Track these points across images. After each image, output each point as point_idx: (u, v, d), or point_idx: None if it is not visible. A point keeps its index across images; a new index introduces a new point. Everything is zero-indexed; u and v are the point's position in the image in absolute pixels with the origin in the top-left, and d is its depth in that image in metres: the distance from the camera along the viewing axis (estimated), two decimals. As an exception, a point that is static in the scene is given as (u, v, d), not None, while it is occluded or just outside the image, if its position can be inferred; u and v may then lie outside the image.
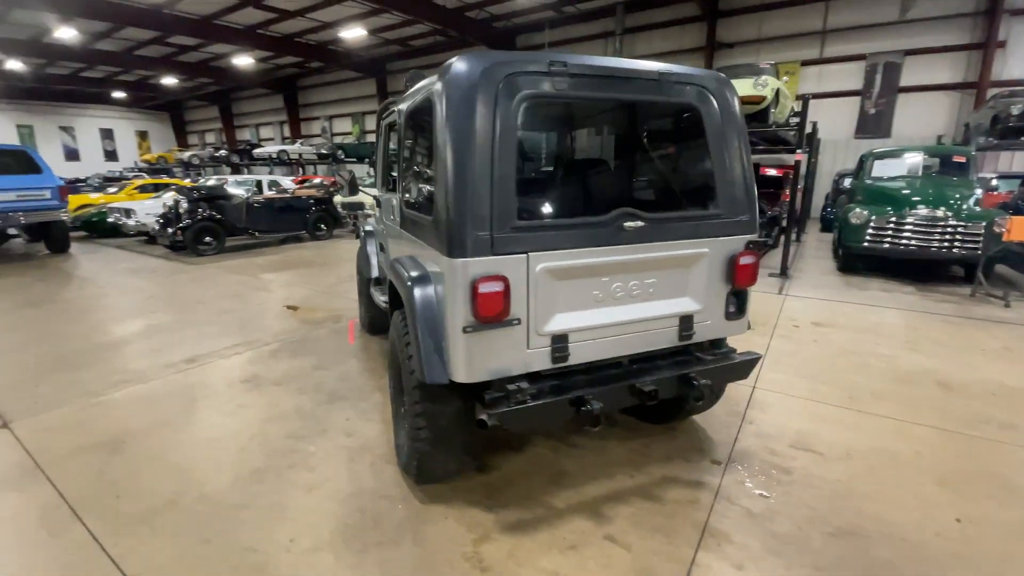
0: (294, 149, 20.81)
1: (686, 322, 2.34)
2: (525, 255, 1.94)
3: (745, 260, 2.35)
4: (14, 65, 19.02)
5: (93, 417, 3.31)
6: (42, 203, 8.56)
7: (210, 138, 30.68)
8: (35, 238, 9.29)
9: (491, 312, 1.90)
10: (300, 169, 21.16)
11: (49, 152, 26.50)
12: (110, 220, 11.19)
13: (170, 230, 9.19)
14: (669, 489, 2.52)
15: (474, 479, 2.61)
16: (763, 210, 8.88)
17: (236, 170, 22.03)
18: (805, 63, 14.16)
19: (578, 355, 2.15)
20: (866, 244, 7.05)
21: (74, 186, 16.71)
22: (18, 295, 6.47)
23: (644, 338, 2.28)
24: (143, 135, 30.49)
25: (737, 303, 2.45)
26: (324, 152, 20.56)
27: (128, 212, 10.69)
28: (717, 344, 2.52)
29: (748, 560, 2.07)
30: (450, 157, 1.85)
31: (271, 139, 27.49)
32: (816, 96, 14.12)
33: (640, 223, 2.10)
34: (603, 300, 2.16)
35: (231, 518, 2.35)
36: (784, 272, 7.28)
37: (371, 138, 23.76)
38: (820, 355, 4.29)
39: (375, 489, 2.54)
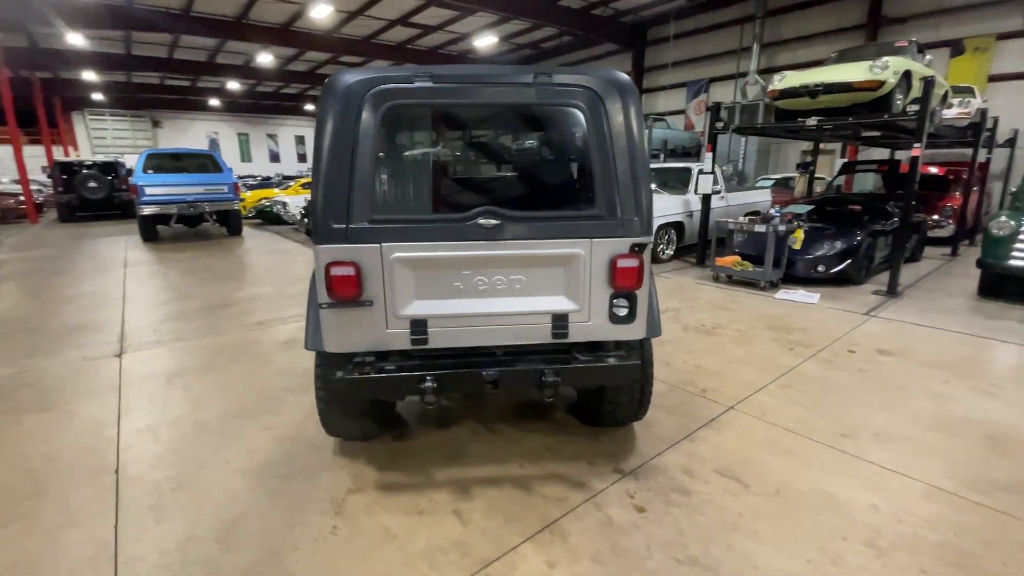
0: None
1: (560, 321, 2.35)
2: (379, 245, 2.20)
3: (624, 263, 2.28)
4: (233, 85, 24.24)
5: (173, 356, 4.40)
6: (222, 195, 11.00)
7: (374, 141, 35.25)
8: (220, 223, 11.94)
9: (343, 293, 2.20)
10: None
11: (259, 155, 33.18)
12: (275, 210, 13.80)
13: (306, 220, 11.07)
14: (547, 484, 2.55)
15: (388, 443, 2.94)
16: (890, 214, 7.50)
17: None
18: (1002, 36, 11.31)
19: (439, 340, 2.33)
20: (1012, 262, 5.60)
21: (266, 182, 20.78)
22: (186, 264, 8.52)
23: (512, 332, 2.36)
24: (325, 140, 36.26)
25: (627, 306, 2.37)
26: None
27: (284, 204, 13.08)
28: (603, 346, 2.47)
29: (567, 561, 2.06)
30: (320, 160, 2.19)
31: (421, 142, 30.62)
32: (1019, 77, 11.23)
33: (495, 221, 2.21)
34: (465, 291, 2.31)
35: (202, 439, 3.03)
36: (892, 290, 6.13)
37: (502, 139, 25.01)
38: (852, 386, 3.67)
39: (309, 438, 3.01)
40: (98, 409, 3.42)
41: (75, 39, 16.33)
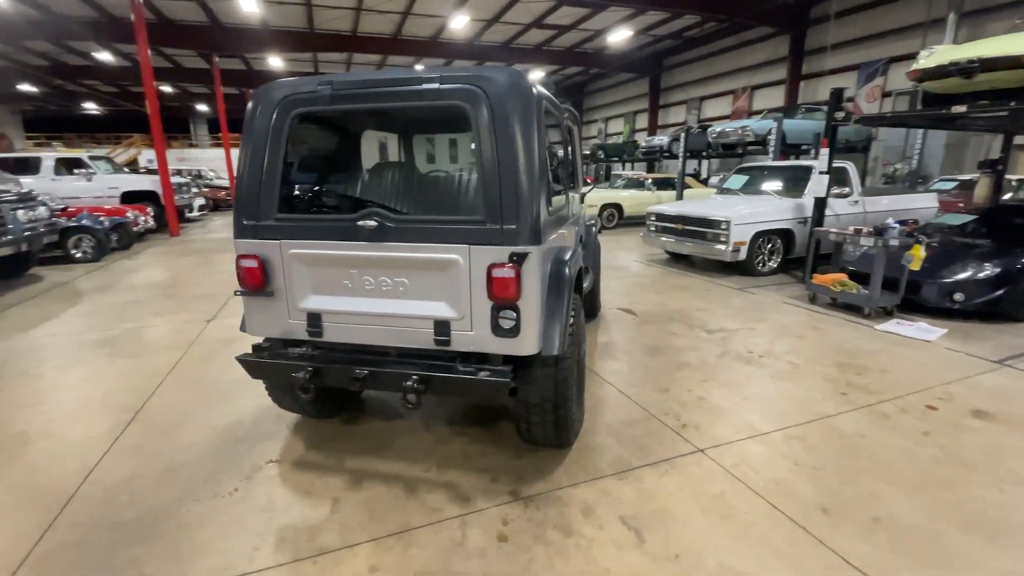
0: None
1: (441, 327, 2.30)
2: (278, 241, 2.40)
3: (500, 272, 2.13)
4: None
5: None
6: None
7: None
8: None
9: (250, 283, 2.45)
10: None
11: (419, 158, 36.91)
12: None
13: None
14: (435, 492, 2.51)
15: (335, 424, 3.17)
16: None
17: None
18: None
19: (332, 334, 2.46)
20: None
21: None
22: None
23: (397, 333, 2.37)
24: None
25: (513, 319, 2.21)
26: (586, 152, 22.11)
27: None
28: (489, 359, 2.33)
29: (391, 570, 2.03)
30: (240, 164, 2.47)
31: (558, 142, 31.01)
32: None
33: (374, 223, 2.24)
34: (354, 290, 2.39)
35: (210, 396, 3.62)
36: (1066, 336, 4.51)
37: (638, 137, 24.08)
38: (893, 452, 2.86)
39: (281, 410, 3.39)
40: (163, 361, 4.29)
41: (276, 62, 20.09)
